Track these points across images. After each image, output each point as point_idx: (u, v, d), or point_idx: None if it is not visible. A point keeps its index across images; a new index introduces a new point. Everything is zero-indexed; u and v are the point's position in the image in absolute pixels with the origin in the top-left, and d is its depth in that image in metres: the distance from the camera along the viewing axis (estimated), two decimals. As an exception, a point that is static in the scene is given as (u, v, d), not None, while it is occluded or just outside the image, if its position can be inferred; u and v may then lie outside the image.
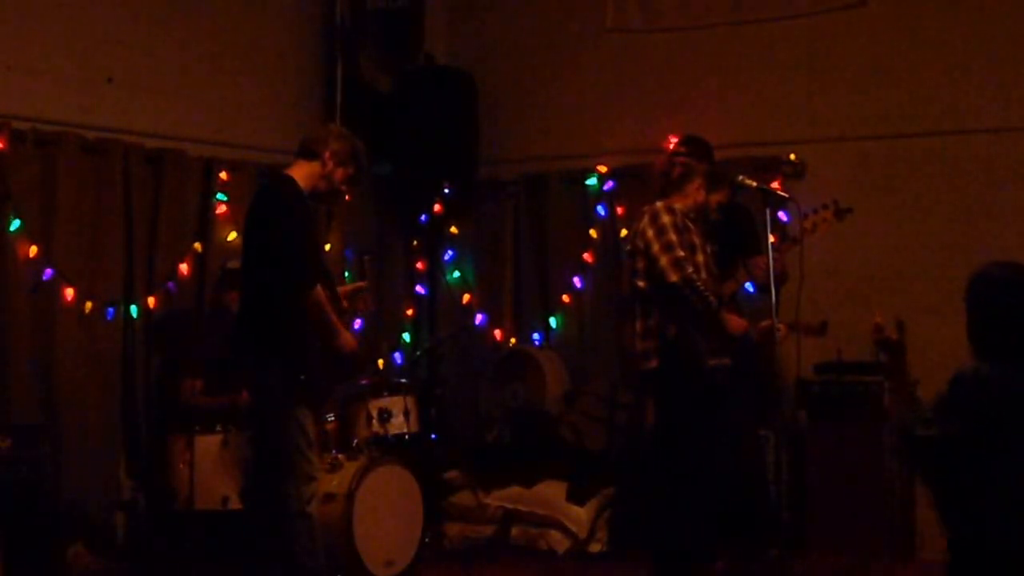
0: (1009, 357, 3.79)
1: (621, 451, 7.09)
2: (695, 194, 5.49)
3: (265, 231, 4.94)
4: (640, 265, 5.39)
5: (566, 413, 7.35)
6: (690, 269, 5.24)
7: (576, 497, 6.88)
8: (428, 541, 6.52)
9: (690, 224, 5.42)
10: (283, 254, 4.86)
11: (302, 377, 4.90)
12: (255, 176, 6.98)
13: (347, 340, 5.06)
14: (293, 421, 4.87)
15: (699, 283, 5.26)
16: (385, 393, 6.42)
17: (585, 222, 7.71)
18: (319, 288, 4.90)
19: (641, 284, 5.39)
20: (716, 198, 5.72)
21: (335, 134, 5.16)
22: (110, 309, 6.45)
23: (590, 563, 6.64)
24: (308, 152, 5.08)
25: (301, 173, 5.05)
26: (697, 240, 5.41)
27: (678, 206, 5.42)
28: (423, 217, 7.82)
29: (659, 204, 5.42)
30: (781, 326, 5.42)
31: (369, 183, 7.62)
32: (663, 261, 5.26)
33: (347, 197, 7.31)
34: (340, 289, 5.33)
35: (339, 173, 5.11)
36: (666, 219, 5.33)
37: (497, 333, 7.89)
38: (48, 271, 6.25)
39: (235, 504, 5.75)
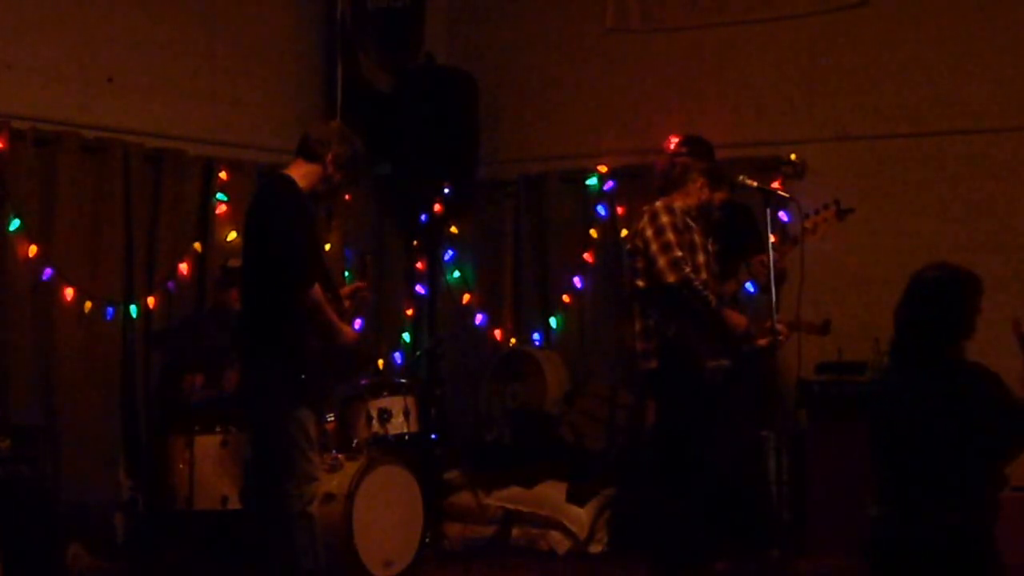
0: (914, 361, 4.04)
1: (621, 451, 7.08)
2: (698, 192, 5.48)
3: (264, 232, 4.94)
4: (639, 265, 5.38)
5: (566, 413, 7.35)
6: (688, 269, 5.23)
7: (576, 497, 6.87)
8: (428, 542, 6.51)
9: (691, 223, 5.41)
10: (282, 255, 4.86)
11: (302, 377, 4.90)
12: (255, 176, 6.98)
13: (348, 337, 5.06)
14: (294, 421, 4.86)
15: (697, 283, 5.24)
16: (385, 393, 6.42)
17: (585, 222, 7.70)
18: (317, 288, 4.89)
19: (641, 284, 5.38)
20: (718, 196, 5.72)
21: (337, 136, 5.14)
22: (110, 309, 6.45)
23: (590, 564, 6.63)
24: (310, 153, 5.07)
25: (300, 173, 5.05)
26: (698, 239, 5.40)
27: (679, 205, 5.41)
28: (423, 217, 7.82)
29: (658, 204, 5.41)
30: (781, 327, 5.40)
31: (369, 183, 7.64)
32: (661, 262, 5.25)
33: (347, 197, 7.38)
34: (342, 290, 5.33)
35: (339, 176, 5.11)
36: (665, 219, 5.32)
37: (497, 333, 7.89)
38: (48, 271, 6.24)
39: (234, 504, 5.74)
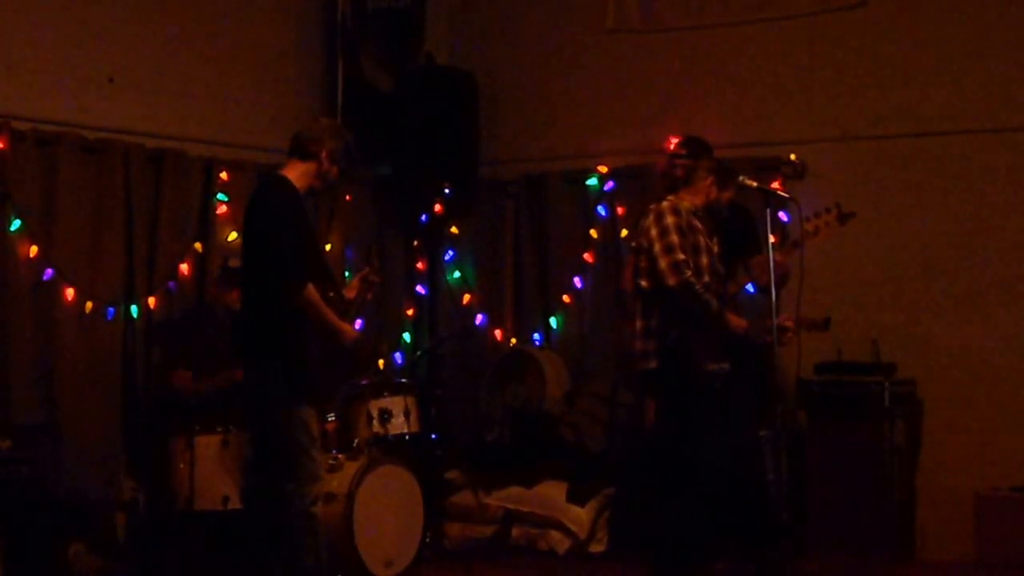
0: None
1: (621, 451, 7.08)
2: (707, 191, 5.46)
3: (261, 233, 4.95)
4: (643, 264, 5.36)
5: (566, 413, 7.34)
6: (689, 273, 5.20)
7: (577, 497, 6.88)
8: (428, 541, 6.52)
9: (696, 224, 5.37)
10: (278, 255, 4.87)
11: (304, 376, 4.91)
12: (255, 176, 6.96)
13: (348, 336, 5.07)
14: (297, 420, 4.87)
15: (699, 287, 5.22)
16: (385, 393, 6.43)
17: (585, 222, 7.71)
18: (311, 287, 4.90)
19: (644, 284, 5.37)
20: (726, 196, 5.72)
21: (329, 132, 5.18)
22: (110, 309, 6.45)
23: (591, 563, 6.63)
24: (304, 152, 5.10)
25: (296, 173, 5.07)
26: (703, 240, 5.37)
27: (686, 204, 5.38)
28: (423, 217, 7.82)
29: (665, 203, 5.37)
30: (789, 323, 5.40)
31: (369, 183, 7.64)
32: (663, 263, 5.23)
33: (347, 197, 7.39)
34: (350, 284, 5.34)
35: (334, 170, 5.15)
36: (670, 220, 5.29)
37: (497, 333, 7.89)
38: (48, 271, 6.24)
39: (235, 504, 5.74)
